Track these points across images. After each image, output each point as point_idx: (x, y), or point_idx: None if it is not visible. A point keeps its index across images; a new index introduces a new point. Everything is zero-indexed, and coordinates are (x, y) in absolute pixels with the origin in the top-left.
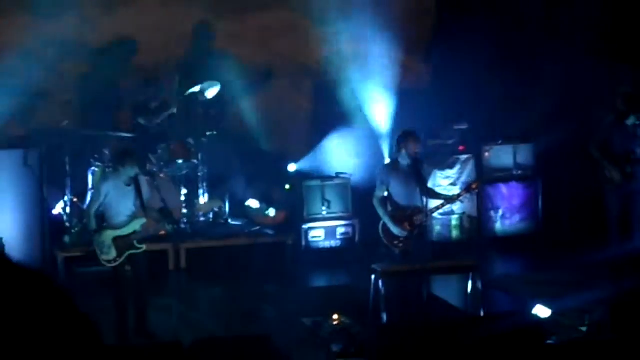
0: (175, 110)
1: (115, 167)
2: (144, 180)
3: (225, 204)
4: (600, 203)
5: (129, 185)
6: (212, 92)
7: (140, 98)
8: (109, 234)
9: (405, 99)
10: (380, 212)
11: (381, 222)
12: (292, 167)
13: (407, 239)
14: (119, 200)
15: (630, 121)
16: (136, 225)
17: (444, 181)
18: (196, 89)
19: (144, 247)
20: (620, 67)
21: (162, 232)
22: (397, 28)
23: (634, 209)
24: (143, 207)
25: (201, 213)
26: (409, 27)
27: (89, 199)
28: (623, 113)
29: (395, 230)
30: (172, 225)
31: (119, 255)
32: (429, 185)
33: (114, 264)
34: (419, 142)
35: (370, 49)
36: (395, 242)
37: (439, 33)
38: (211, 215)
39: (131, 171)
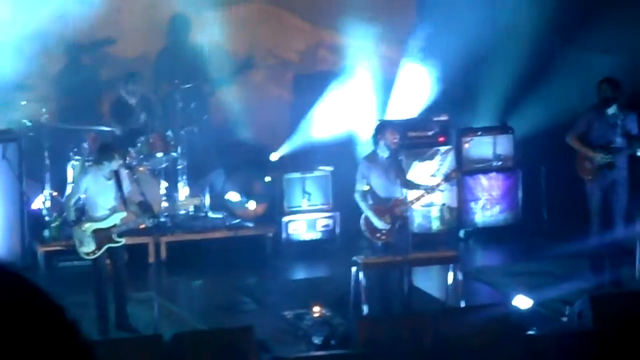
0: (156, 110)
1: (97, 160)
2: (124, 174)
3: (204, 198)
4: (580, 194)
5: (109, 179)
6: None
7: (119, 95)
8: (89, 227)
9: (386, 90)
10: (363, 206)
11: (363, 215)
12: (274, 156)
13: (389, 231)
14: (99, 194)
15: (611, 110)
16: (116, 219)
17: (424, 173)
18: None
19: (123, 240)
20: (595, 55)
21: (142, 226)
22: (377, 20)
23: (613, 200)
24: (123, 201)
25: (181, 207)
26: (389, 18)
27: (68, 191)
28: (607, 100)
29: (377, 223)
30: (151, 219)
31: (98, 248)
32: (409, 176)
33: (92, 257)
34: (397, 133)
35: (350, 40)
36: (378, 235)
37: (419, 24)
38: (191, 209)
39: (114, 165)
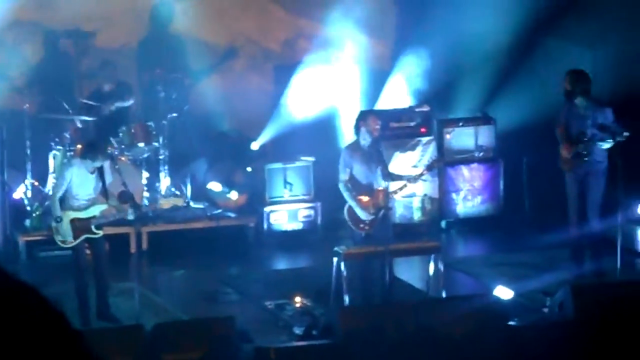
0: (131, 102)
1: (81, 155)
2: (107, 168)
3: (186, 190)
4: (561, 185)
5: (92, 172)
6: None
7: (94, 80)
8: (67, 215)
9: (367, 80)
10: (347, 196)
11: (347, 205)
12: (254, 145)
13: (372, 222)
14: (79, 185)
15: (579, 102)
16: (95, 211)
17: (405, 163)
18: None
19: (101, 232)
20: (578, 48)
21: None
22: (358, 10)
23: (587, 192)
24: (105, 194)
25: (162, 206)
26: (370, 9)
27: (51, 184)
28: (569, 93)
29: (361, 214)
30: (133, 212)
31: (74, 237)
32: (391, 167)
33: (68, 246)
34: (378, 120)
35: (330, 30)
36: (362, 226)
37: (400, 14)
38: (172, 197)
39: (98, 163)
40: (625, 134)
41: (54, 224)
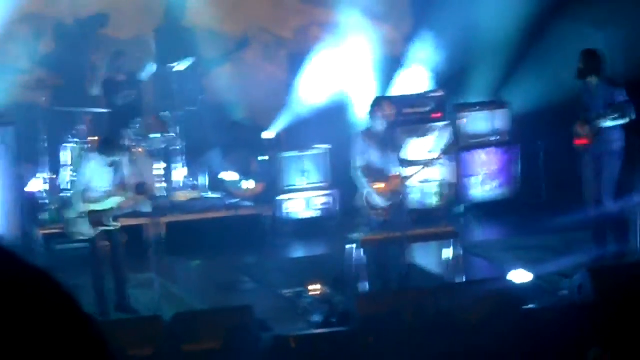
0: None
1: (99, 150)
2: (125, 160)
3: (202, 180)
4: (578, 167)
5: (110, 165)
6: (182, 66)
7: (108, 70)
8: (85, 207)
9: (381, 67)
10: (364, 182)
11: (365, 192)
12: (268, 135)
13: (389, 207)
14: (97, 178)
15: (590, 80)
16: (112, 203)
17: (421, 149)
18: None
19: (119, 225)
20: (591, 29)
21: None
22: None
23: (600, 172)
24: (122, 186)
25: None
26: None
27: (69, 178)
28: (582, 72)
29: (378, 200)
30: (150, 201)
31: (92, 230)
32: (406, 153)
33: (84, 238)
34: (393, 105)
35: (344, 18)
36: (380, 211)
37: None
38: (189, 190)
39: (115, 158)
40: (633, 116)
41: (72, 217)
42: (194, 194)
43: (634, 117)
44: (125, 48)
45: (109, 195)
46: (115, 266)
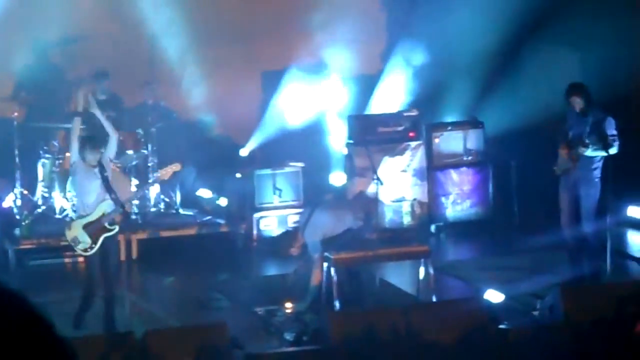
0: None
1: (81, 155)
2: (107, 162)
3: (175, 196)
4: (550, 188)
5: (94, 167)
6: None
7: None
8: (78, 224)
9: (357, 86)
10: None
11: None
12: (243, 152)
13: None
14: (87, 192)
15: (582, 106)
16: (104, 207)
17: (394, 168)
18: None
19: (117, 227)
20: (565, 51)
21: (118, 218)
22: (348, 15)
23: (580, 199)
24: (108, 188)
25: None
26: (361, 14)
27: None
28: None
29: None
30: (123, 217)
31: (94, 241)
32: (380, 172)
33: (90, 252)
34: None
35: (321, 36)
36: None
37: (390, 18)
38: (162, 206)
39: (97, 154)
40: (616, 151)
41: (70, 242)
42: (174, 167)
43: (616, 152)
44: (102, 66)
45: (99, 200)
46: (107, 275)
